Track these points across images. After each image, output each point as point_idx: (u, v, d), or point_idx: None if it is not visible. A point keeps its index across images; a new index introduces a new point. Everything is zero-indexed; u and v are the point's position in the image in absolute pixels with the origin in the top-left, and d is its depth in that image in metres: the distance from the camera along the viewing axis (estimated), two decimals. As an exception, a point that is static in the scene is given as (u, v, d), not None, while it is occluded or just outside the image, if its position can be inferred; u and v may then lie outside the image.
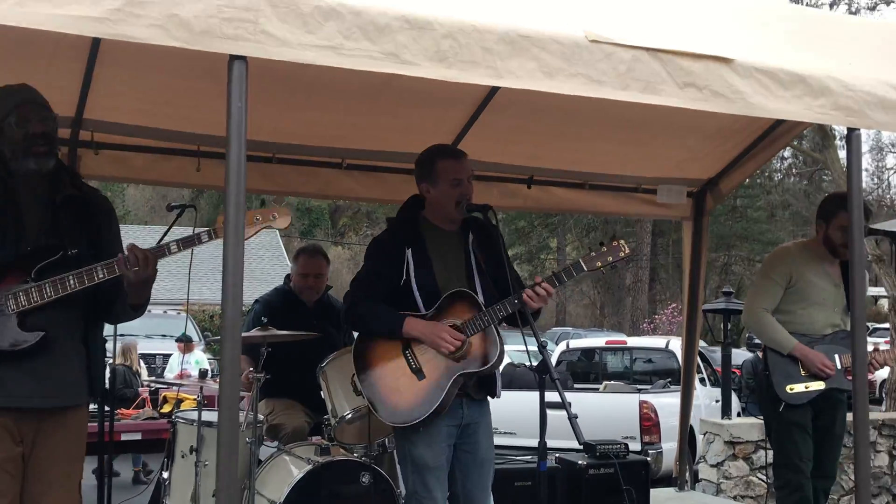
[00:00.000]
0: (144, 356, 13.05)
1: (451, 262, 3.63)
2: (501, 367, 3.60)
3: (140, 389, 8.14)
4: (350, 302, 3.55)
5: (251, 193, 4.79)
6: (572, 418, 2.90)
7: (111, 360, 4.53)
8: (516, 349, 13.56)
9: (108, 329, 3.20)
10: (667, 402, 8.82)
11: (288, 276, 5.23)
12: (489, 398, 3.65)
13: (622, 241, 3.50)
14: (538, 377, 3.10)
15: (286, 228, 3.21)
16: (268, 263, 29.25)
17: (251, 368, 4.38)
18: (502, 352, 3.48)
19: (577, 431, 2.88)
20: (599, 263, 3.48)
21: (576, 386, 9.90)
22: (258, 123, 4.68)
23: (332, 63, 2.45)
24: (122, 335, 4.96)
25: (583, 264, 3.48)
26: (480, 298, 3.56)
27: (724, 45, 3.04)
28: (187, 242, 2.87)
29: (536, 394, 3.16)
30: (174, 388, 7.05)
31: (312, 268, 5.13)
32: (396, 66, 2.52)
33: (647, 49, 2.84)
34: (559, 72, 2.71)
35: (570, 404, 2.96)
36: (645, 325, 30.32)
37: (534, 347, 3.27)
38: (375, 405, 3.49)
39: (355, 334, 3.70)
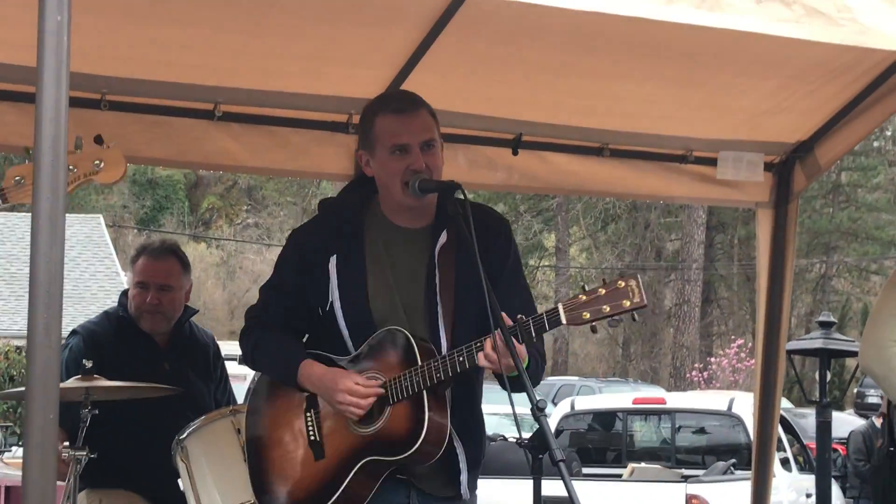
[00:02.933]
0: None
1: (406, 279, 3.71)
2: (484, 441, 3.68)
3: None
4: (244, 326, 3.79)
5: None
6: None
7: None
8: (497, 411, 13.50)
9: None
10: (730, 496, 8.91)
11: (124, 294, 5.23)
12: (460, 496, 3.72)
13: (633, 283, 3.36)
14: (531, 458, 3.13)
15: (118, 181, 3.21)
16: (85, 270, 28.91)
17: (66, 443, 4.35)
18: (428, 433, 3.50)
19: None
20: (588, 315, 3.36)
21: (585, 472, 9.98)
22: (76, 46, 4.67)
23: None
24: None
25: (562, 315, 3.39)
26: (444, 343, 3.63)
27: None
28: None
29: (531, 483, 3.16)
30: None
31: (155, 274, 5.10)
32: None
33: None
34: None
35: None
36: (695, 373, 30.64)
37: (524, 410, 3.31)
38: (256, 488, 3.72)
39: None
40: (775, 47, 4.78)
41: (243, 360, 3.77)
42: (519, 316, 3.43)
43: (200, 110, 5.07)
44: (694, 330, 34.15)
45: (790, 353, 10.25)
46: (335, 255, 3.65)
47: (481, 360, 3.42)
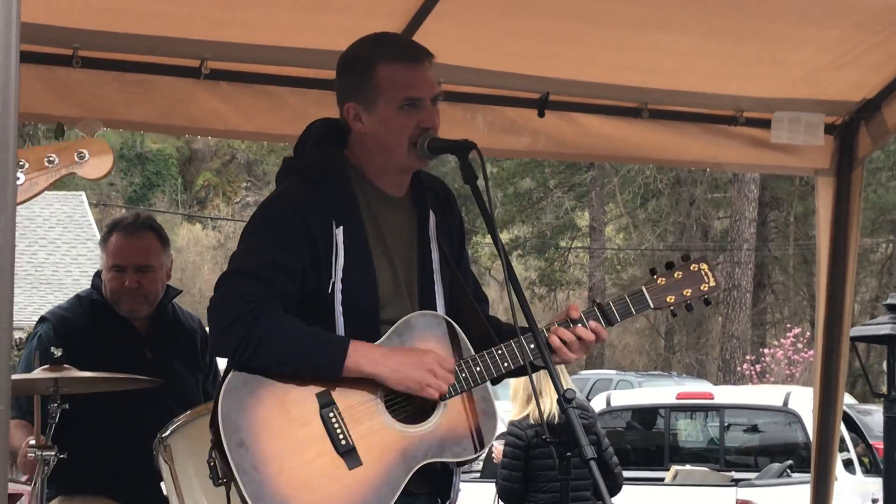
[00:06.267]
0: None
1: (402, 255, 3.65)
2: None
3: None
4: (236, 313, 3.43)
5: (32, 121, 4.63)
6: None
7: None
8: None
9: None
10: (786, 502, 8.88)
11: (98, 276, 5.20)
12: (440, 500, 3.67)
13: (705, 266, 3.76)
14: (559, 456, 3.10)
15: (104, 176, 3.16)
16: (66, 254, 29.11)
17: (32, 440, 4.35)
18: (495, 427, 3.53)
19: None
20: (672, 299, 3.72)
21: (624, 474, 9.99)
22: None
23: None
24: None
25: (647, 297, 3.70)
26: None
27: None
28: None
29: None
30: None
31: (132, 254, 5.06)
32: None
33: None
34: None
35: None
36: (746, 366, 30.68)
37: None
38: None
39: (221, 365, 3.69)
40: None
41: (233, 353, 3.44)
42: (598, 301, 3.70)
43: (185, 67, 5.07)
44: (745, 318, 34.11)
45: (854, 340, 10.19)
46: (342, 227, 3.54)
47: (560, 346, 3.57)
